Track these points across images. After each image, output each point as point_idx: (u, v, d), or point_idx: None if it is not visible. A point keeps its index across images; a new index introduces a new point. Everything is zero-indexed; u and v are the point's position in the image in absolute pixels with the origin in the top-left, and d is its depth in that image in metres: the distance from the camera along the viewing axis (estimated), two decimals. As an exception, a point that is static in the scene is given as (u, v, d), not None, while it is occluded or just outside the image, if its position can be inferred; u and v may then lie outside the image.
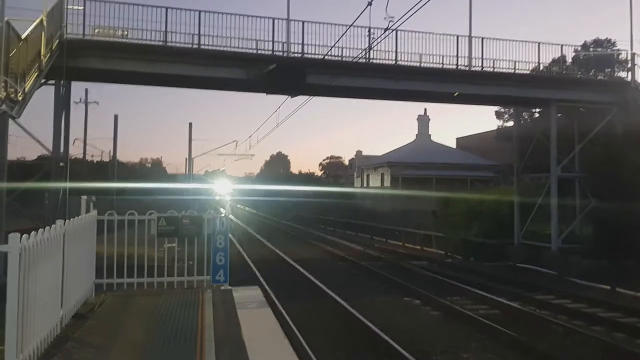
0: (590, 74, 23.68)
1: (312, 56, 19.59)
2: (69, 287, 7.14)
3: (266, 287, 16.08)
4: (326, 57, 19.24)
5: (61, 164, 17.56)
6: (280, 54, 19.31)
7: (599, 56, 27.95)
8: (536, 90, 22.00)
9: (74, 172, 19.29)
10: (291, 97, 22.11)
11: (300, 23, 19.62)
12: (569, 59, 23.47)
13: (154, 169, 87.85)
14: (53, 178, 17.21)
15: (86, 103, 39.67)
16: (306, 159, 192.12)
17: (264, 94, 21.98)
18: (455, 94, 21.36)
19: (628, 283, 16.89)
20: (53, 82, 17.40)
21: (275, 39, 19.35)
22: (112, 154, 40.11)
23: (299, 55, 19.55)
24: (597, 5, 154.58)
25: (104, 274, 9.17)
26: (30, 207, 19.11)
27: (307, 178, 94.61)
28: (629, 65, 22.83)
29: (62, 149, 17.78)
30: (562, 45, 22.42)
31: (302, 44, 19.61)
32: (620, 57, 26.83)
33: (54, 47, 15.82)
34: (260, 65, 19.01)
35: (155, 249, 9.46)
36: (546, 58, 22.21)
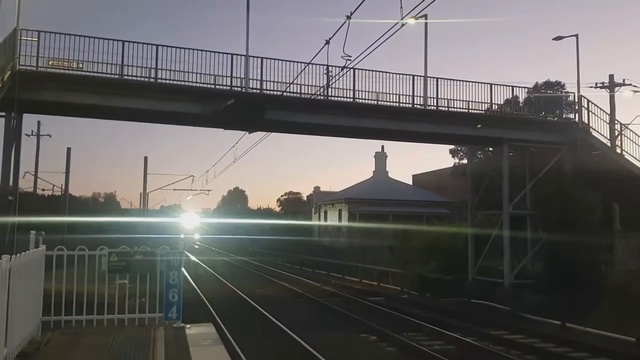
0: (541, 114, 24.50)
1: (271, 92, 19.69)
2: (14, 325, 6.86)
3: (221, 324, 15.80)
4: (285, 93, 19.39)
5: (10, 197, 17.04)
6: (239, 89, 19.34)
7: (548, 98, 28.95)
8: (489, 130, 22.55)
9: (23, 206, 18.73)
10: (249, 132, 22.12)
11: (259, 59, 19.71)
12: (520, 99, 24.26)
13: (107, 204, 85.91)
14: (1, 212, 16.65)
15: (38, 136, 38.85)
16: (264, 195, 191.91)
17: (222, 129, 21.93)
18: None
19: (577, 318, 17.23)
20: (3, 114, 16.99)
21: (234, 74, 19.32)
22: (64, 187, 39.15)
23: (258, 91, 19.62)
24: (548, 49, 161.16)
25: (52, 311, 8.86)
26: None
27: (265, 214, 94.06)
28: (577, 106, 23.70)
29: (11, 183, 17.28)
30: (513, 87, 23.18)
31: (261, 80, 19.66)
32: (568, 98, 27.81)
33: (5, 78, 15.52)
34: (219, 100, 18.99)
35: (106, 285, 9.22)
36: (498, 99, 22.89)
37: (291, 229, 57.21)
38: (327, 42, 13.21)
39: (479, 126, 22.01)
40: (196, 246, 73.47)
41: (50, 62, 17.32)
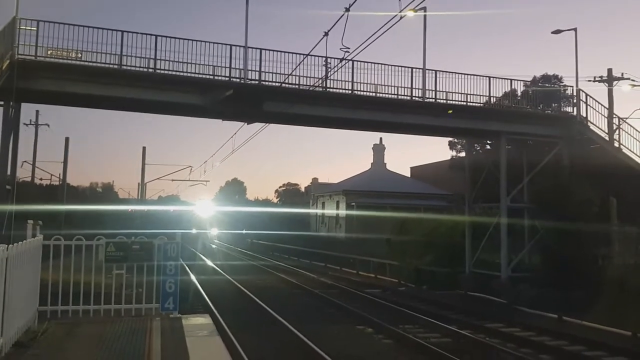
0: (539, 108, 24.48)
1: (270, 83, 19.67)
2: (10, 314, 6.88)
3: (217, 315, 15.83)
4: (283, 84, 19.36)
5: (8, 187, 17.03)
6: (238, 80, 19.31)
7: (547, 91, 28.93)
8: (487, 123, 22.57)
9: (21, 195, 18.73)
10: (247, 123, 22.10)
11: (258, 50, 19.71)
12: (518, 93, 24.24)
13: (105, 194, 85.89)
14: (-1, 201, 16.64)
15: (36, 125, 38.76)
16: (262, 186, 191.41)
17: (220, 120, 21.92)
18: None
19: (574, 312, 17.27)
20: (2, 103, 16.96)
21: (233, 65, 19.29)
22: (61, 177, 39.15)
23: (256, 82, 19.59)
24: (547, 42, 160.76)
25: (48, 300, 8.88)
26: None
27: (263, 205, 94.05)
28: (575, 100, 23.69)
29: (9, 172, 17.26)
30: (511, 80, 23.13)
31: (260, 71, 19.65)
32: (566, 92, 27.77)
33: (4, 67, 15.48)
34: (217, 91, 18.98)
35: (103, 275, 9.24)
36: (497, 92, 22.86)
37: (289, 223, 57.22)
38: (326, 34, 13.22)
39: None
40: (213, 246, 68.58)
41: (49, 52, 17.28)
